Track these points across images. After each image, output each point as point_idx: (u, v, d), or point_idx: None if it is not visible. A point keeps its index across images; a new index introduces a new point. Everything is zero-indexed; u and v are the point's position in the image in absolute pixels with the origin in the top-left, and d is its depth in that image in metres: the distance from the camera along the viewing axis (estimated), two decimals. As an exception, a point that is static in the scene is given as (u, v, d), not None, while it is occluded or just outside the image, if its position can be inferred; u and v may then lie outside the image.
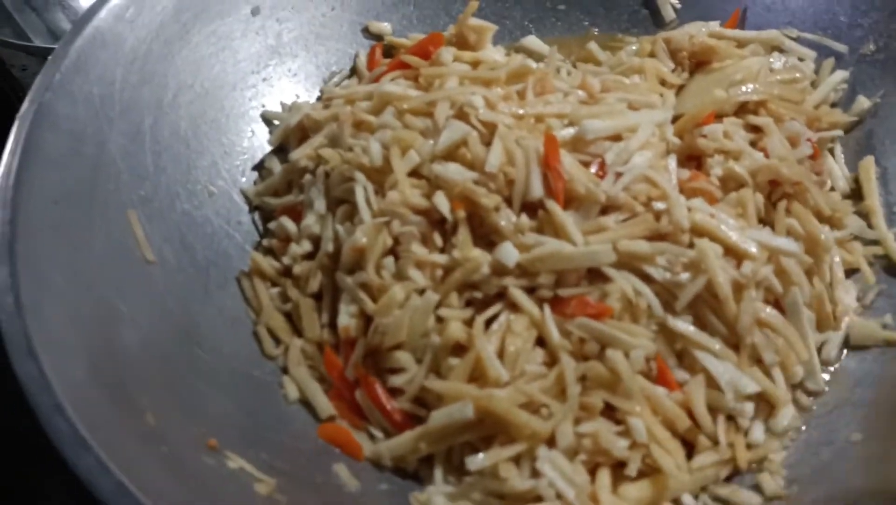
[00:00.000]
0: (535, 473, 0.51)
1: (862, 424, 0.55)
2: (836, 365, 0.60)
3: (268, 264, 0.66)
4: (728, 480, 0.54)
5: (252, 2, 0.76)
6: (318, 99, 0.78)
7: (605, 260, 0.55)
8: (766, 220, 0.62)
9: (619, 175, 0.59)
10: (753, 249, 0.56)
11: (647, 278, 0.55)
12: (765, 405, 0.56)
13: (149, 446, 0.48)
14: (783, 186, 0.62)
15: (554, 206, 0.57)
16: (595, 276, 0.56)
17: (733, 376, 0.54)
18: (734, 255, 0.56)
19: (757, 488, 0.53)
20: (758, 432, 0.55)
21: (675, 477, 0.51)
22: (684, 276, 0.55)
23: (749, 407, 0.54)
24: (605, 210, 0.59)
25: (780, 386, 0.56)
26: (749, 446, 0.54)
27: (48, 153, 0.58)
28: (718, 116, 0.67)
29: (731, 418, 0.55)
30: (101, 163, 0.61)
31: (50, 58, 0.62)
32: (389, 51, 0.81)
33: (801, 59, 0.75)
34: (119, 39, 0.66)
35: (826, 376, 0.59)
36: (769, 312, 0.56)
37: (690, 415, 0.53)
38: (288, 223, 0.66)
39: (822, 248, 0.61)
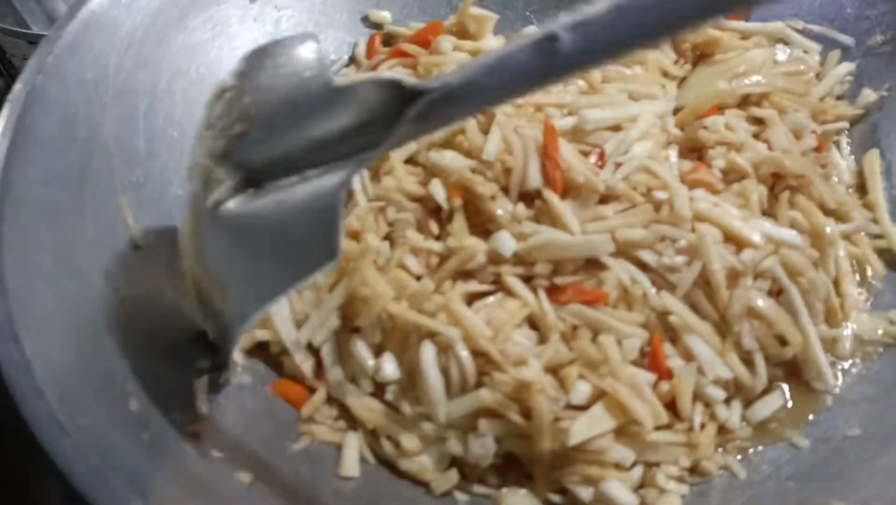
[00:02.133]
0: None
1: (862, 419, 0.54)
2: (850, 361, 0.59)
3: None
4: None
5: (250, -12, 0.75)
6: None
7: (604, 250, 0.54)
8: (768, 213, 0.61)
9: (618, 165, 0.59)
10: (756, 238, 0.55)
11: (643, 266, 0.54)
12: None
13: (130, 432, 0.47)
14: (786, 179, 0.61)
15: (551, 196, 0.56)
16: (591, 264, 0.56)
17: (713, 361, 0.53)
18: (736, 242, 0.55)
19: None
20: (734, 418, 0.54)
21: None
22: (679, 259, 0.54)
23: (720, 393, 0.53)
24: (604, 200, 0.58)
25: (759, 375, 0.55)
26: (724, 430, 0.54)
27: (39, 136, 0.57)
28: (721, 108, 0.66)
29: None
30: (93, 147, 0.61)
31: (43, 41, 0.61)
32: (389, 40, 0.80)
33: (805, 52, 0.73)
34: (114, 24, 0.65)
35: (840, 373, 0.58)
36: (763, 302, 0.54)
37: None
38: None
39: (826, 242, 0.60)
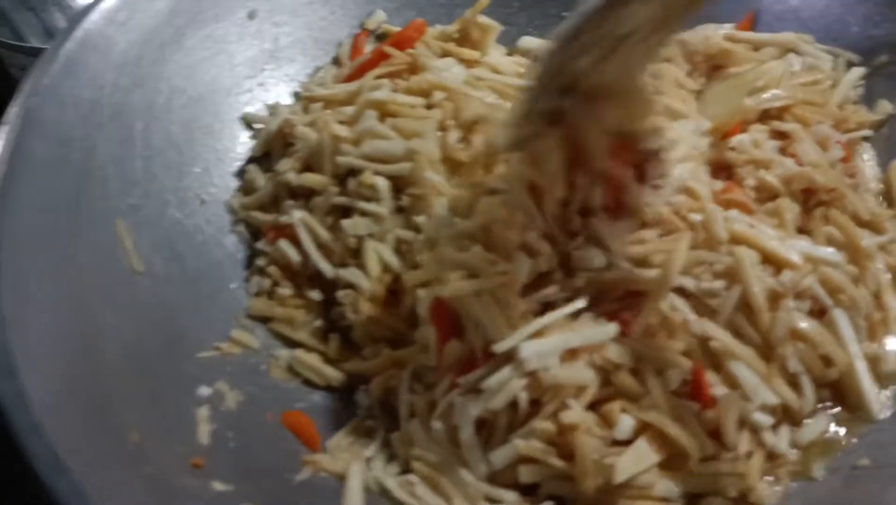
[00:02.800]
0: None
1: (869, 448, 0.54)
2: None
3: (271, 308, 0.64)
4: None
5: (248, 5, 0.74)
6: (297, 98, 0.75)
7: (657, 286, 0.53)
8: (802, 230, 0.60)
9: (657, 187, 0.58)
10: (795, 258, 0.54)
11: (681, 291, 0.54)
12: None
13: (131, 467, 0.46)
14: (818, 194, 0.60)
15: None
16: (630, 291, 0.54)
17: (758, 387, 0.52)
18: (774, 263, 0.55)
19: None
20: (783, 444, 0.53)
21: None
22: (718, 283, 0.53)
23: (767, 419, 0.52)
24: (644, 223, 0.57)
25: (806, 397, 0.54)
26: (773, 456, 0.52)
27: (35, 160, 0.56)
28: (745, 124, 0.65)
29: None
30: (89, 169, 0.60)
31: (38, 61, 0.60)
32: (382, 38, 0.79)
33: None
34: (110, 42, 0.64)
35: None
36: (807, 324, 0.54)
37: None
38: (289, 249, 0.63)
39: (864, 256, 0.59)
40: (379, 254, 0.60)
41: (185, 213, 0.65)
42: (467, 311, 0.53)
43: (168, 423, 0.51)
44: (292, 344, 0.62)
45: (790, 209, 0.59)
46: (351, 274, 0.61)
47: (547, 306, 0.53)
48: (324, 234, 0.63)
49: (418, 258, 0.59)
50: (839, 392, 0.55)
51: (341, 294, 0.61)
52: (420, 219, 0.60)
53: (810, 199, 0.61)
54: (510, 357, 0.51)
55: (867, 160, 0.69)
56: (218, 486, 0.49)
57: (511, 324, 0.51)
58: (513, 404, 0.51)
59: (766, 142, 0.62)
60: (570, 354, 0.51)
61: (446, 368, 0.54)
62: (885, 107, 0.70)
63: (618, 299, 0.54)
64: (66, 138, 0.59)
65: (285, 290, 0.64)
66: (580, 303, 0.52)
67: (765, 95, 0.65)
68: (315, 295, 0.63)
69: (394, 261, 0.60)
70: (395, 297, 0.60)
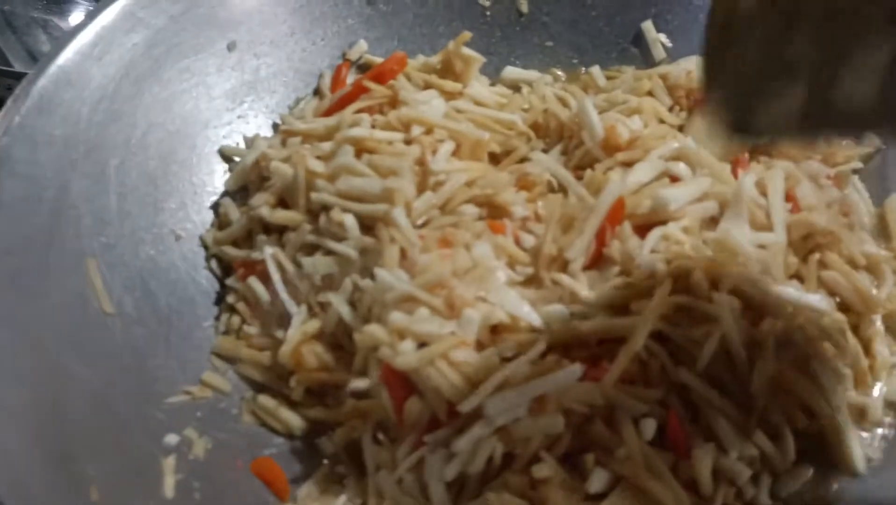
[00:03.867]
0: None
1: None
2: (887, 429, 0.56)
3: (237, 348, 0.62)
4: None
5: (228, 36, 0.73)
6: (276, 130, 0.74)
7: (634, 333, 0.52)
8: (795, 275, 0.58)
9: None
10: (779, 305, 0.53)
11: (660, 337, 0.53)
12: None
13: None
14: (815, 237, 0.59)
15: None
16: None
17: (735, 439, 0.51)
18: (757, 309, 0.53)
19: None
20: (763, 496, 0.52)
21: None
22: (698, 331, 0.52)
23: (745, 470, 0.51)
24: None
25: (787, 449, 0.53)
26: None
27: (3, 201, 0.55)
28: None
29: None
30: (61, 207, 0.59)
31: (10, 99, 0.60)
32: (364, 69, 0.78)
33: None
34: (85, 77, 0.63)
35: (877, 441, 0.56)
36: (789, 372, 0.53)
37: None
38: (258, 286, 0.62)
39: (872, 305, 0.58)
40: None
41: (159, 250, 0.64)
42: (423, 380, 0.51)
43: (132, 476, 0.50)
44: (259, 387, 0.61)
45: (783, 254, 0.57)
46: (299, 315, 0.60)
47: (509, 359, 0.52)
48: (291, 270, 0.62)
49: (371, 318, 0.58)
50: (822, 444, 0.54)
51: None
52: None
53: (806, 243, 0.59)
54: (477, 414, 0.49)
55: (860, 194, 0.68)
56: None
57: (471, 382, 0.50)
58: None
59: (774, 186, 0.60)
60: (539, 403, 0.50)
61: (409, 427, 0.53)
62: (873, 139, 0.69)
63: (596, 345, 0.54)
64: (37, 177, 0.58)
65: (252, 328, 0.63)
66: (540, 346, 0.51)
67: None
68: (281, 335, 0.61)
69: (346, 313, 0.59)
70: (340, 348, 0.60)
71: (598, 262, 0.58)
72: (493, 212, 0.64)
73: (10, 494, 0.42)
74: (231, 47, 0.73)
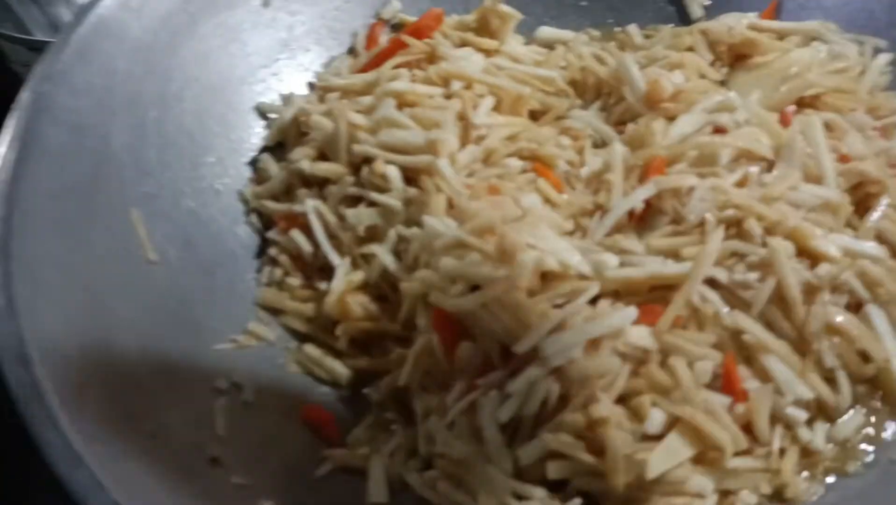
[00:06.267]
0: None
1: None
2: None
3: (280, 299, 0.62)
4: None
5: (262, -8, 0.73)
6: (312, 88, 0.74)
7: (686, 279, 0.51)
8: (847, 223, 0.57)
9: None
10: (832, 251, 0.53)
11: (713, 283, 0.52)
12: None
13: (148, 459, 0.45)
14: (865, 186, 0.58)
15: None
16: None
17: (792, 381, 0.50)
18: (811, 256, 0.53)
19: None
20: (818, 440, 0.51)
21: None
22: (752, 275, 0.52)
23: (801, 414, 0.51)
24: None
25: (842, 393, 0.52)
26: (809, 452, 0.51)
27: (47, 146, 0.55)
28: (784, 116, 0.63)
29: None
30: (103, 157, 0.58)
31: (49, 46, 0.59)
32: (398, 29, 0.77)
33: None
34: (123, 29, 0.63)
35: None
36: (843, 317, 0.52)
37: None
38: (300, 238, 0.62)
39: None
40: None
41: (199, 203, 0.64)
42: (476, 322, 0.51)
43: (185, 415, 0.50)
44: (303, 337, 0.61)
45: (843, 206, 0.56)
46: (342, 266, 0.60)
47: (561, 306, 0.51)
48: (334, 222, 0.62)
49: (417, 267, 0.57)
50: (876, 388, 0.54)
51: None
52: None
53: (857, 192, 0.59)
54: (531, 356, 0.49)
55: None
56: (236, 479, 0.47)
57: (525, 324, 0.49)
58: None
59: (818, 134, 0.59)
60: (594, 345, 0.50)
61: (460, 371, 0.53)
62: None
63: (647, 292, 0.53)
64: (79, 125, 0.57)
65: (295, 280, 0.62)
66: (594, 290, 0.51)
67: (795, 84, 0.63)
68: (324, 286, 0.61)
69: (391, 262, 0.58)
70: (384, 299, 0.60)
71: (647, 213, 0.58)
72: (538, 166, 0.63)
73: (75, 434, 0.41)
74: (265, 3, 0.73)
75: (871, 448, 0.52)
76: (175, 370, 0.52)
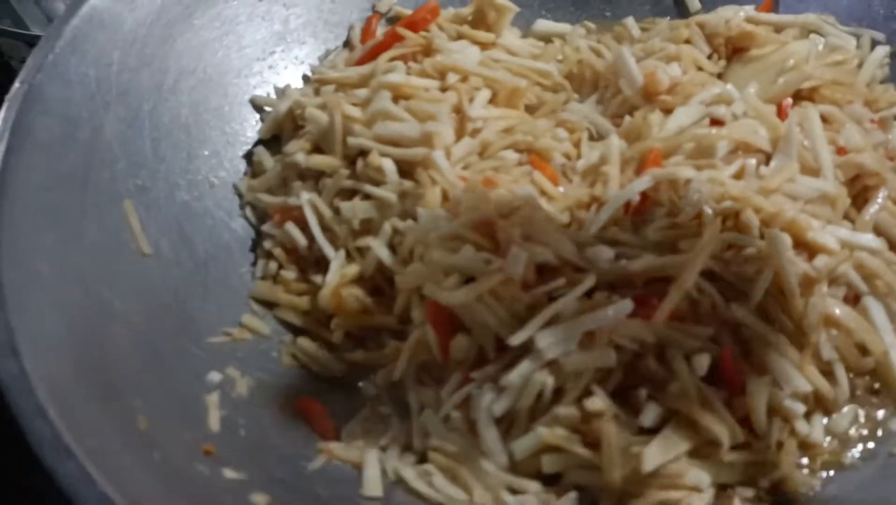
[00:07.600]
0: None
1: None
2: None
3: (275, 292, 0.61)
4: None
5: (257, -16, 0.72)
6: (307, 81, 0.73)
7: (683, 271, 0.51)
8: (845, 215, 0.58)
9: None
10: (830, 242, 0.53)
11: (711, 275, 0.52)
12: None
13: (139, 453, 0.44)
14: (863, 179, 0.58)
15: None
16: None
17: (790, 374, 0.50)
18: (808, 248, 0.53)
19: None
20: (816, 433, 0.51)
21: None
22: (750, 267, 0.51)
23: (799, 407, 0.50)
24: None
25: (840, 386, 0.52)
26: (807, 445, 0.51)
27: (39, 137, 0.54)
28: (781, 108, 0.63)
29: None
30: (96, 149, 0.58)
31: (43, 37, 0.58)
32: (394, 22, 0.77)
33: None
34: (117, 20, 0.62)
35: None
36: (841, 310, 0.52)
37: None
38: (295, 231, 0.61)
39: None
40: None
41: (193, 196, 0.63)
42: (471, 315, 0.51)
43: (177, 408, 0.49)
44: (298, 331, 0.60)
45: (841, 198, 0.56)
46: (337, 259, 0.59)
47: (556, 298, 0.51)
48: (329, 215, 0.61)
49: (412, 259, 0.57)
50: (875, 381, 0.53)
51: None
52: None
53: (855, 184, 0.58)
54: (526, 349, 0.49)
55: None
56: (229, 473, 0.47)
57: (519, 317, 0.49)
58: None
59: (815, 126, 0.59)
60: (589, 338, 0.49)
61: (455, 364, 0.52)
62: None
63: (644, 285, 0.53)
64: (71, 117, 0.57)
65: (290, 273, 0.62)
66: (589, 282, 0.50)
67: (792, 76, 0.63)
68: (319, 279, 0.60)
69: (386, 255, 0.58)
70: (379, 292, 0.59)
71: (644, 205, 0.57)
72: (534, 159, 0.63)
73: (65, 426, 0.41)
74: (260, -5, 0.72)
75: (870, 441, 0.52)
76: (167, 364, 0.52)
